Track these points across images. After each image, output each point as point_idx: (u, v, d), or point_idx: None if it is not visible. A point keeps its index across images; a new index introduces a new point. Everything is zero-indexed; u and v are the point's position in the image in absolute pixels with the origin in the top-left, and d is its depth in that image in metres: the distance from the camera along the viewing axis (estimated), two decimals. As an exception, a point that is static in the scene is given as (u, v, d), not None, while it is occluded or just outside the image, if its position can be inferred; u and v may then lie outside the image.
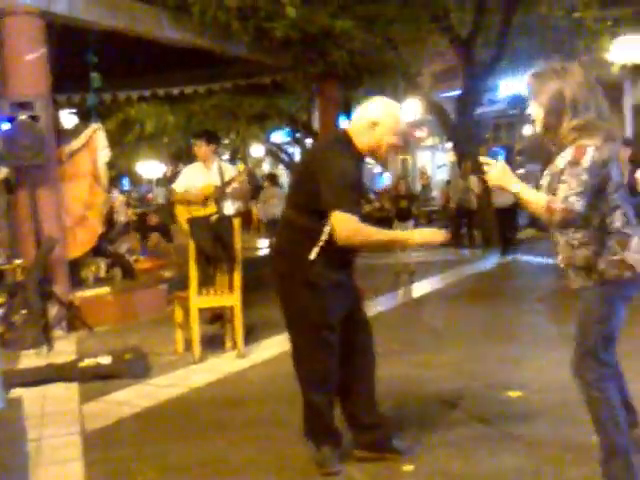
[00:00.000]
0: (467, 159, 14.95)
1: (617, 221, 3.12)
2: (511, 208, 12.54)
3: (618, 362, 3.37)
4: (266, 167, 34.00)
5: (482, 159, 3.38)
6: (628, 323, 3.30)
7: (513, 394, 4.81)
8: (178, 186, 7.60)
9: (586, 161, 3.00)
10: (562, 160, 3.11)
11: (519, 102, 20.21)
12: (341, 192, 3.43)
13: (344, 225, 3.39)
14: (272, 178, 16.83)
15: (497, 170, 3.24)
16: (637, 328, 4.90)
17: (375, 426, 3.85)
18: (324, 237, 3.48)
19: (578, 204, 2.97)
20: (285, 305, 3.72)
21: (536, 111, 3.25)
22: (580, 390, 3.27)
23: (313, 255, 3.49)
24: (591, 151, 3.00)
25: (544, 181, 3.26)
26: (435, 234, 3.60)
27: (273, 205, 15.06)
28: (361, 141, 3.63)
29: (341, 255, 3.57)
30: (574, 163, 3.02)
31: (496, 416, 4.41)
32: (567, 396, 4.43)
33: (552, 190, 3.11)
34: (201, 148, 7.51)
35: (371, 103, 3.71)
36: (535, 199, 3.12)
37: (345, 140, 3.65)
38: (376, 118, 3.61)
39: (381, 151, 3.68)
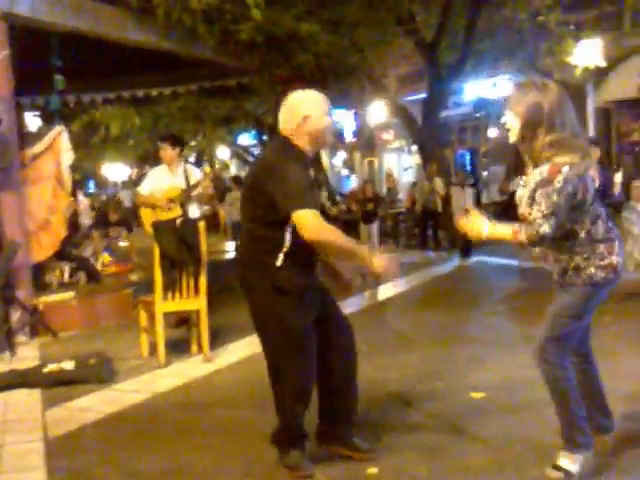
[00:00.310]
0: (432, 162, 15.05)
1: (600, 228, 3.32)
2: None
3: (591, 353, 3.64)
4: (232, 169, 33.91)
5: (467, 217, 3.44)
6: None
7: (477, 395, 4.84)
8: (143, 189, 7.55)
9: (559, 181, 3.12)
10: (537, 176, 3.22)
11: (484, 105, 20.44)
12: (299, 194, 3.45)
13: (309, 221, 3.41)
14: (238, 180, 16.78)
15: (471, 222, 3.39)
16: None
17: (346, 420, 3.92)
18: (287, 244, 3.54)
19: (547, 226, 3.13)
20: (258, 317, 3.71)
21: (512, 121, 3.33)
22: (543, 372, 3.42)
23: (279, 262, 3.53)
24: (566, 170, 3.13)
25: (520, 192, 3.39)
26: (391, 267, 3.55)
27: (239, 208, 14.98)
28: (302, 140, 3.64)
29: (305, 259, 3.62)
30: (547, 182, 3.15)
31: (461, 417, 4.44)
32: (531, 396, 4.51)
33: (527, 204, 3.26)
34: (166, 151, 7.47)
35: (290, 103, 3.75)
36: (502, 234, 3.30)
37: (288, 145, 3.66)
38: (304, 112, 3.64)
39: (322, 138, 3.71)
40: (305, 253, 3.55)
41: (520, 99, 3.30)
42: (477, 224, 3.35)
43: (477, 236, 3.37)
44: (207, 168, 23.79)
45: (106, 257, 11.12)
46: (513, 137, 3.35)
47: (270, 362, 3.76)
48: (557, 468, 3.39)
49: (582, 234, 3.31)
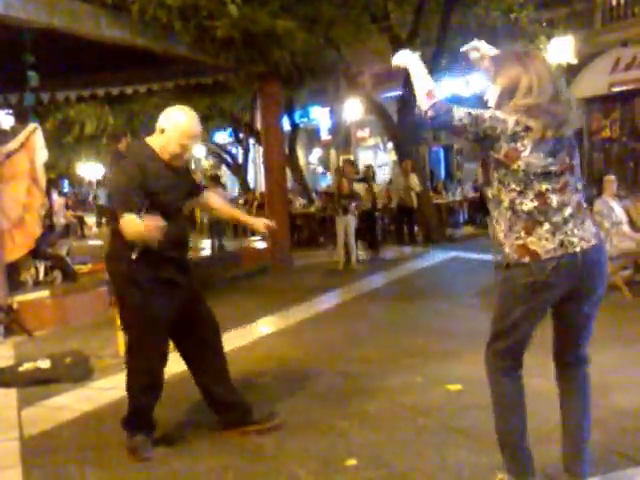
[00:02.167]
0: (407, 158, 15.13)
1: (529, 204, 2.97)
2: (370, 212, 12.62)
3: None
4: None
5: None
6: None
7: (453, 387, 4.90)
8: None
9: (496, 112, 3.02)
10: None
11: (458, 102, 20.56)
12: (117, 197, 3.92)
13: (122, 223, 3.73)
14: (214, 179, 16.77)
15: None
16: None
17: (233, 405, 4.29)
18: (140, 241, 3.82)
19: (458, 112, 2.99)
20: (118, 302, 4.16)
21: (493, 93, 3.18)
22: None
23: (134, 256, 3.85)
24: (511, 120, 2.98)
25: None
26: (152, 228, 3.66)
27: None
28: (159, 148, 3.98)
29: (158, 254, 3.87)
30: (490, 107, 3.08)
31: (437, 409, 4.50)
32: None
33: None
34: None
35: (163, 113, 4.03)
36: (421, 83, 3.13)
37: (144, 150, 4.00)
38: (163, 126, 3.96)
39: (175, 154, 3.98)
40: (162, 248, 3.80)
41: (500, 71, 3.14)
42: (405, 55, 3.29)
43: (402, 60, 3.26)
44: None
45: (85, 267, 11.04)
46: (490, 104, 3.17)
47: (126, 346, 4.18)
48: None
49: (505, 201, 3.03)
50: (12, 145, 8.24)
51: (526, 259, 2.97)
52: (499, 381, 3.19)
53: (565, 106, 3.05)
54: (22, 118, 9.34)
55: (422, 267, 11.85)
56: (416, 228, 15.52)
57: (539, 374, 3.83)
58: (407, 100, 15.82)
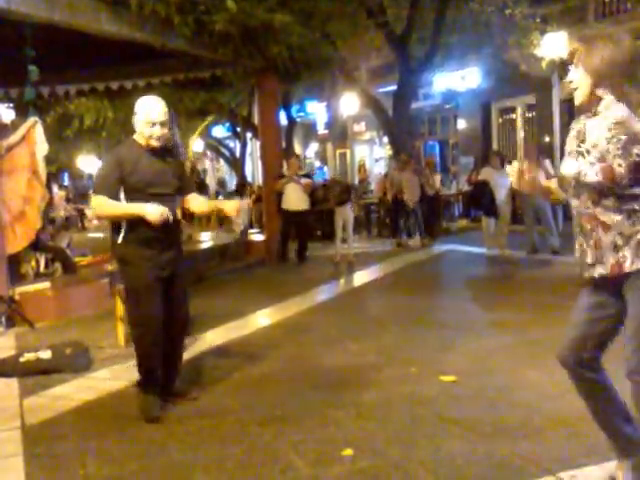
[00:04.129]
0: (403, 152, 15.19)
1: None
2: (303, 213, 12.20)
3: None
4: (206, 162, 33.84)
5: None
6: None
7: (447, 378, 4.97)
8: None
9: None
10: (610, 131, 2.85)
11: (453, 97, 20.64)
12: (96, 181, 4.72)
13: (92, 202, 4.59)
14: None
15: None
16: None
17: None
18: (124, 227, 4.47)
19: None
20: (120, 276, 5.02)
21: (581, 78, 2.95)
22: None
23: (120, 239, 4.50)
24: None
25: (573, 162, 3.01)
26: (158, 211, 4.34)
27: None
28: (137, 135, 4.59)
29: (142, 235, 4.44)
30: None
31: (432, 400, 4.56)
32: (499, 380, 4.67)
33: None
34: None
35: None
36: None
37: (127, 141, 4.69)
38: (135, 113, 4.57)
39: (146, 138, 4.52)
40: (142, 231, 4.41)
41: (593, 53, 2.89)
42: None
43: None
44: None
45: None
46: (581, 97, 2.97)
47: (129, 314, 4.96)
48: None
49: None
50: (13, 139, 8.29)
51: None
52: None
53: None
54: (22, 112, 9.38)
55: (416, 260, 11.92)
56: (411, 221, 15.56)
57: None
58: (402, 95, 15.92)
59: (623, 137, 2.80)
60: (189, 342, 6.30)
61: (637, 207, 2.87)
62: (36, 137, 8.31)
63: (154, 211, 4.35)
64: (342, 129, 26.33)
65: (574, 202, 3.02)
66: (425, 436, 3.96)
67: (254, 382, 5.16)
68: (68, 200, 22.53)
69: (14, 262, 8.26)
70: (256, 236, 14.75)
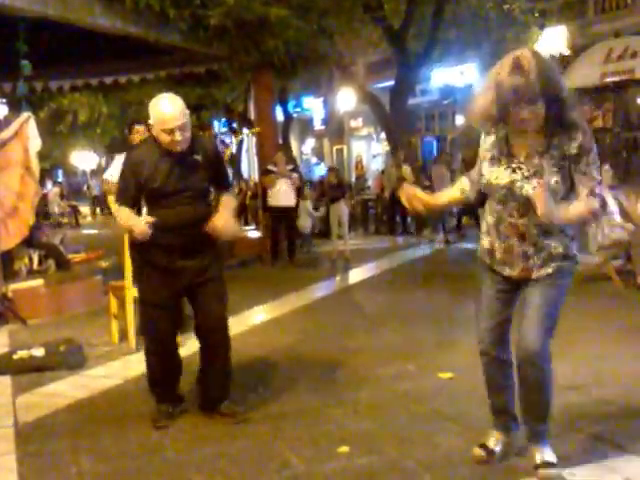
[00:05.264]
0: (400, 148, 15.15)
1: None
2: (290, 209, 11.73)
3: None
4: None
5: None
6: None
7: (445, 375, 4.94)
8: (111, 176, 7.47)
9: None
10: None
11: (451, 92, 20.59)
12: (117, 191, 4.37)
13: (115, 212, 4.45)
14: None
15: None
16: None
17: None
18: None
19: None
20: None
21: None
22: (546, 371, 3.25)
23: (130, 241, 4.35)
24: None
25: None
26: (136, 227, 4.04)
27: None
28: (155, 138, 4.13)
29: (155, 240, 4.06)
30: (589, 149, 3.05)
31: (429, 397, 4.53)
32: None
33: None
34: (142, 135, 7.39)
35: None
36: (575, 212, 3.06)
37: (146, 143, 4.30)
38: (151, 115, 4.10)
39: (167, 141, 4.05)
40: (159, 235, 4.04)
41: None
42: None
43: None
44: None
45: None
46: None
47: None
48: (547, 465, 3.26)
49: None
50: (5, 134, 8.21)
51: None
52: None
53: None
54: (15, 107, 9.33)
55: (414, 256, 11.91)
56: (409, 218, 15.54)
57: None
58: (399, 90, 15.87)
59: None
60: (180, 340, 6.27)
61: (555, 223, 3.06)
62: (29, 132, 8.22)
63: (136, 227, 4.03)
64: (339, 125, 26.30)
65: (497, 207, 3.22)
66: (422, 433, 3.93)
67: (250, 379, 5.11)
68: (62, 197, 22.46)
69: (7, 259, 8.21)
70: (251, 233, 14.69)
